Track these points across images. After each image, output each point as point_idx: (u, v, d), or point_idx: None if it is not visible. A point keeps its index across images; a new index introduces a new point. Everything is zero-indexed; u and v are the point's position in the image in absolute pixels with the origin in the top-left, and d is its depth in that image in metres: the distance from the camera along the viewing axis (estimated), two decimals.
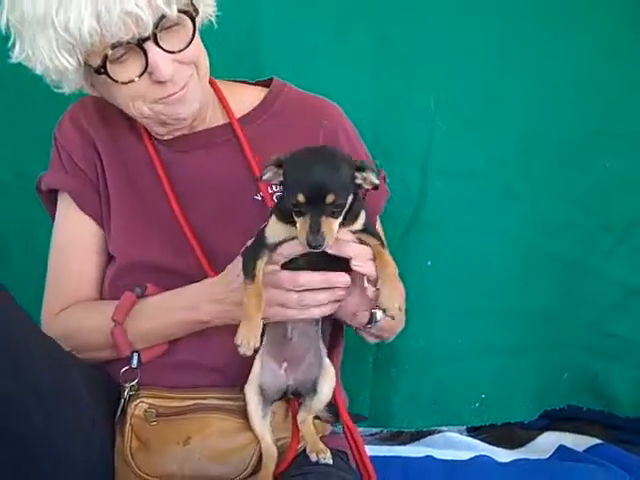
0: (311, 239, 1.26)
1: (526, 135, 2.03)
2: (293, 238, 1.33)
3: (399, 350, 2.01)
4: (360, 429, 2.20)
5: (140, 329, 1.49)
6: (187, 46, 1.43)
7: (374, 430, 2.24)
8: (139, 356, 1.49)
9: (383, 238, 1.41)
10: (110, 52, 1.39)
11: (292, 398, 1.50)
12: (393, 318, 1.36)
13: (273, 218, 1.37)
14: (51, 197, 1.64)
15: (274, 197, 1.53)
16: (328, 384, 1.47)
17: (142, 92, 1.45)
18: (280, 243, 1.35)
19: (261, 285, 1.34)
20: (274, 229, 1.36)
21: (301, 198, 1.26)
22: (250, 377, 1.46)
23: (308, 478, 1.38)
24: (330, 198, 1.26)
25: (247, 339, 1.32)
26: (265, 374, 1.46)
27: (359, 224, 1.38)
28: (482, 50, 2.01)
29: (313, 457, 1.43)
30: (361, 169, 1.31)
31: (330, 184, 1.26)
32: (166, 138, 1.58)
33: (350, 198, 1.31)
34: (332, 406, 1.52)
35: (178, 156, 1.57)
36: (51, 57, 1.40)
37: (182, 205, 1.54)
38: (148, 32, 1.38)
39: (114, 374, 1.51)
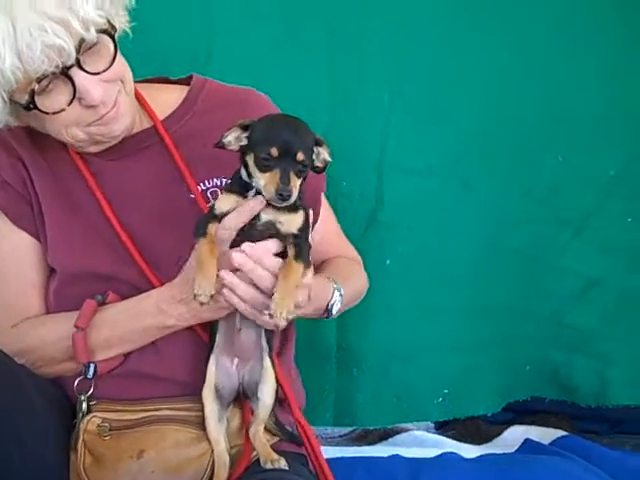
0: (281, 188, 1.32)
1: (481, 131, 2.04)
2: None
3: (360, 349, 2.02)
4: (328, 430, 2.26)
5: (102, 337, 1.47)
6: (111, 64, 1.42)
7: (343, 431, 2.25)
8: (95, 367, 1.47)
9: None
10: (37, 86, 1.36)
11: (244, 399, 1.49)
12: (277, 327, 1.39)
13: (225, 192, 1.42)
14: None
15: (208, 193, 1.52)
16: (268, 387, 1.46)
17: (74, 118, 1.43)
18: (226, 214, 1.39)
19: (214, 239, 1.37)
20: (223, 200, 1.41)
21: (274, 152, 1.33)
22: (207, 378, 1.45)
23: None
24: (300, 156, 1.34)
25: (203, 287, 1.34)
26: (219, 373, 1.46)
27: (296, 222, 1.39)
28: (436, 46, 2.01)
29: (268, 466, 1.42)
30: (319, 143, 1.38)
31: (301, 143, 1.35)
32: (95, 151, 1.55)
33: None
34: (279, 424, 1.52)
35: (108, 165, 1.54)
36: None
37: (118, 214, 1.52)
38: (72, 60, 1.36)
39: (68, 388, 1.49)
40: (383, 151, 2.01)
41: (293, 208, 1.39)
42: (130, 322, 1.47)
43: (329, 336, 2.01)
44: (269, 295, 1.35)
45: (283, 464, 1.42)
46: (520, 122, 2.06)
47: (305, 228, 1.41)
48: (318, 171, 1.42)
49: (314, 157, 1.39)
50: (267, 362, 1.47)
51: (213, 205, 1.41)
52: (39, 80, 1.36)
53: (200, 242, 1.38)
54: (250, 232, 1.38)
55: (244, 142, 1.38)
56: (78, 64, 1.37)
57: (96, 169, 1.54)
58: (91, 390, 1.47)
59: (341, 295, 1.54)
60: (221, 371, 1.46)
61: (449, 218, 2.05)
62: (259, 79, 1.82)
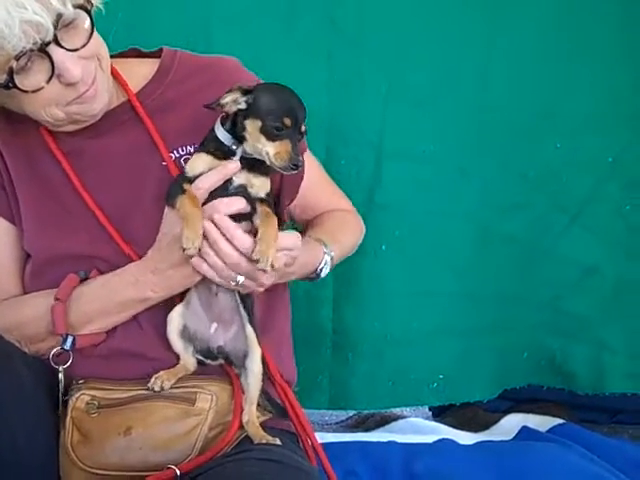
0: (295, 159, 1.36)
1: (478, 117, 2.04)
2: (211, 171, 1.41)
3: (355, 333, 2.02)
4: (325, 418, 2.27)
5: (82, 310, 1.47)
6: (89, 39, 1.41)
7: (340, 418, 2.25)
8: (74, 339, 1.47)
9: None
10: (15, 64, 1.36)
11: (226, 363, 1.49)
12: (264, 271, 1.38)
13: (197, 153, 1.44)
14: None
15: (181, 160, 1.50)
16: (254, 356, 1.46)
17: (53, 97, 1.42)
18: (198, 176, 1.41)
19: (193, 194, 1.39)
20: (196, 161, 1.43)
21: (287, 122, 1.37)
22: (172, 313, 1.47)
23: (252, 454, 1.34)
24: (303, 127, 1.39)
25: (191, 239, 1.35)
26: (190, 315, 1.47)
27: (266, 187, 1.43)
28: (432, 34, 2.01)
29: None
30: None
31: (304, 115, 1.39)
32: (70, 130, 1.53)
33: None
34: (272, 400, 1.52)
35: (84, 144, 1.53)
36: None
37: (93, 192, 1.51)
38: (50, 36, 1.35)
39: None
40: (380, 137, 2.01)
41: (264, 172, 1.42)
42: (109, 295, 1.47)
43: (324, 320, 2.02)
44: (245, 255, 1.38)
45: (277, 441, 1.41)
46: (517, 108, 2.05)
47: (271, 192, 1.45)
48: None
49: None
50: (249, 329, 1.46)
51: (185, 169, 1.43)
52: (17, 58, 1.35)
53: (180, 199, 1.39)
54: (221, 195, 1.40)
55: (242, 106, 1.39)
56: (56, 41, 1.36)
57: (70, 148, 1.53)
58: (69, 362, 1.46)
59: (331, 258, 1.56)
60: (192, 315, 1.47)
61: (446, 204, 2.05)
62: (258, 68, 1.80)
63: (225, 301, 1.47)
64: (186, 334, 1.47)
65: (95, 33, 1.43)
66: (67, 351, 1.46)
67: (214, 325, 1.48)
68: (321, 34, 1.97)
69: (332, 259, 1.57)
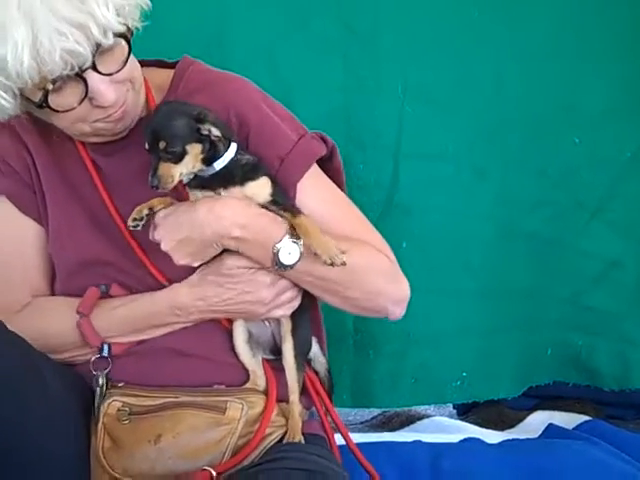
0: (149, 179, 1.39)
1: (495, 115, 2.03)
2: None
3: (377, 332, 2.02)
4: (350, 417, 2.27)
5: (108, 329, 1.49)
6: (125, 64, 1.42)
7: (364, 418, 2.25)
8: (109, 346, 1.49)
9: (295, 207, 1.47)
10: (51, 87, 1.38)
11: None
12: (332, 265, 1.40)
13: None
14: None
15: None
16: (286, 346, 1.50)
17: (82, 115, 1.44)
18: None
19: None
20: None
21: (145, 145, 1.41)
22: (234, 324, 1.51)
23: (285, 463, 1.33)
24: (162, 145, 1.38)
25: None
26: (250, 323, 1.52)
27: (263, 193, 1.44)
28: (447, 33, 2.00)
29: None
30: (201, 121, 1.40)
31: (161, 132, 1.39)
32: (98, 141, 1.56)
33: (195, 146, 1.39)
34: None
35: (111, 157, 1.56)
36: None
37: (119, 205, 1.53)
38: (88, 63, 1.37)
39: (84, 370, 1.51)
40: (398, 138, 2.00)
41: (250, 177, 1.44)
42: (143, 321, 1.50)
43: (346, 319, 2.02)
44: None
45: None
46: (535, 105, 2.04)
47: (277, 192, 1.45)
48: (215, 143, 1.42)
49: (205, 133, 1.39)
50: (286, 320, 1.51)
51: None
52: (54, 81, 1.37)
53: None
54: None
55: None
56: (93, 66, 1.38)
57: (100, 159, 1.55)
58: (109, 368, 1.49)
59: (298, 244, 1.42)
60: (253, 323, 1.52)
61: (465, 202, 2.04)
62: (274, 69, 1.83)
63: None
64: (252, 341, 1.52)
65: (131, 57, 1.44)
66: (106, 357, 1.48)
67: (267, 322, 1.52)
68: (336, 36, 1.97)
69: (299, 246, 1.43)
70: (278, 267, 1.43)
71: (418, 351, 2.05)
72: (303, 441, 1.44)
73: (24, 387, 1.33)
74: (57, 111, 1.41)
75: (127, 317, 1.50)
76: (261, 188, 1.45)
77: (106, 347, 1.49)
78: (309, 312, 1.58)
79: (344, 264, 1.40)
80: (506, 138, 2.04)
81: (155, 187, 1.38)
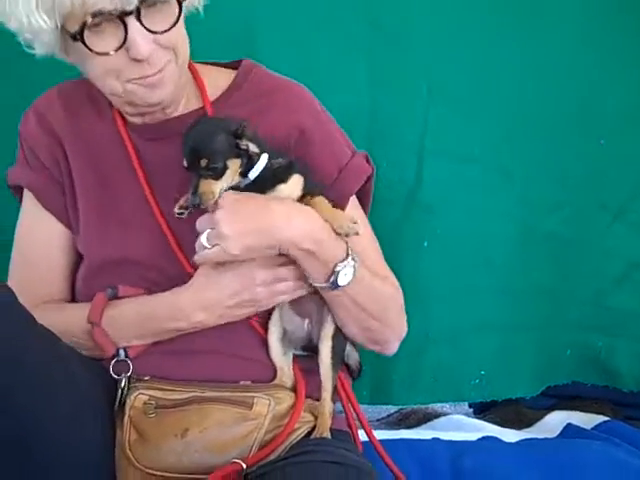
0: (190, 198, 1.39)
1: (520, 116, 2.03)
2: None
3: None
4: (367, 415, 2.27)
5: (118, 334, 1.48)
6: (170, 28, 1.40)
7: (381, 414, 2.25)
8: (125, 350, 1.48)
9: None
10: (89, 20, 1.34)
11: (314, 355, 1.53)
12: (347, 235, 1.42)
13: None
14: (20, 191, 1.62)
15: None
16: (324, 346, 1.50)
17: (117, 67, 1.40)
18: None
19: None
20: None
21: (184, 163, 1.40)
22: (271, 320, 1.51)
23: (315, 457, 1.32)
24: (203, 162, 1.37)
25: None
26: (286, 319, 1.52)
27: (294, 189, 1.45)
28: (474, 35, 2.01)
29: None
30: (239, 136, 1.39)
31: (202, 149, 1.38)
32: (137, 122, 1.53)
33: (234, 161, 1.39)
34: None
35: (150, 144, 1.54)
36: (28, 14, 1.35)
37: (158, 197, 1.51)
38: (132, 6, 1.34)
39: (108, 365, 1.50)
40: (422, 137, 2.00)
41: (280, 180, 1.43)
42: (146, 324, 1.48)
43: None
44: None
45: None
46: (559, 106, 2.04)
47: (310, 184, 1.46)
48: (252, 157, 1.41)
49: (244, 147, 1.39)
50: (329, 321, 1.50)
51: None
52: (94, 15, 1.34)
53: None
54: None
55: None
56: (138, 14, 1.35)
57: (139, 143, 1.54)
58: (130, 370, 1.48)
59: (354, 267, 1.44)
60: (288, 320, 1.52)
61: (487, 202, 2.04)
62: (301, 67, 1.83)
63: (310, 297, 1.51)
64: (286, 338, 1.51)
65: (180, 25, 1.42)
66: (124, 361, 1.48)
67: (306, 321, 1.52)
68: (363, 33, 1.97)
69: (355, 270, 1.44)
70: (331, 285, 1.44)
71: (437, 350, 2.05)
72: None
73: (53, 379, 1.33)
74: (90, 50, 1.38)
75: (132, 319, 1.48)
76: (292, 189, 1.44)
77: (122, 352, 1.48)
78: None
79: (357, 234, 1.42)
80: (530, 139, 2.04)
81: (197, 205, 1.38)
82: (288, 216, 1.41)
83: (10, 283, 1.50)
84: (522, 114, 2.04)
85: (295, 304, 1.51)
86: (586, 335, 2.12)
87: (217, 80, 1.59)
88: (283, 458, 1.33)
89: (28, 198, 1.60)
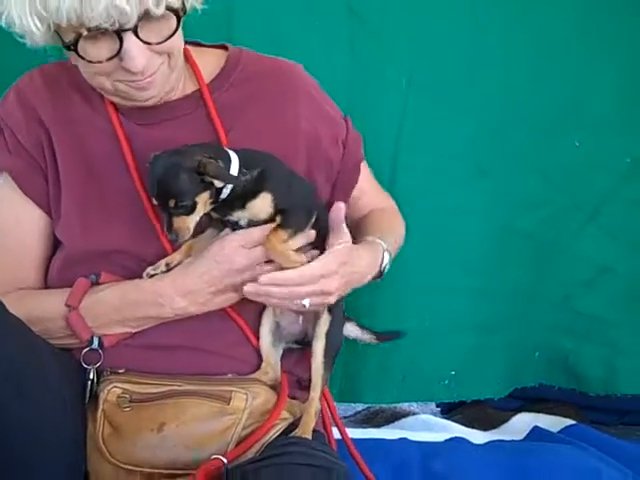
0: (167, 235, 1.40)
1: (497, 114, 2.02)
2: None
3: (367, 326, 1.97)
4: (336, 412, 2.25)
5: (99, 319, 1.44)
6: (167, 39, 1.38)
7: (348, 412, 2.23)
8: (100, 339, 1.44)
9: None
10: (85, 33, 1.32)
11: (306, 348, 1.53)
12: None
13: None
14: None
15: None
16: (318, 344, 1.49)
17: (108, 71, 1.38)
18: None
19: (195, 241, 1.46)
20: None
21: (154, 202, 1.40)
22: (265, 312, 1.50)
23: (294, 458, 1.30)
24: (172, 203, 1.36)
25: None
26: (279, 315, 1.51)
27: (262, 209, 1.43)
28: (454, 29, 1.98)
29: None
30: (201, 173, 1.36)
31: (168, 191, 1.37)
32: (128, 106, 1.49)
33: (203, 195, 1.37)
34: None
35: (142, 129, 1.50)
36: (20, 16, 1.32)
37: (143, 180, 1.47)
38: (130, 25, 1.32)
39: (79, 356, 1.46)
40: (399, 131, 1.98)
41: (250, 198, 1.42)
42: (127, 309, 1.44)
43: None
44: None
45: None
46: (537, 106, 2.03)
47: (281, 202, 1.43)
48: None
49: (209, 181, 1.37)
50: (324, 318, 1.49)
51: None
52: (89, 29, 1.31)
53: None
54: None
55: None
56: (134, 29, 1.33)
57: (130, 132, 1.49)
58: (101, 361, 1.44)
59: (390, 255, 1.58)
60: (281, 314, 1.51)
61: (462, 199, 2.02)
62: (279, 54, 1.77)
63: None
64: (278, 332, 1.51)
65: (178, 34, 1.40)
66: (96, 350, 1.44)
67: (300, 317, 1.51)
68: (343, 26, 1.93)
69: (390, 255, 1.59)
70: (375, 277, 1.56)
71: (408, 347, 2.03)
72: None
73: (24, 371, 1.29)
74: (83, 58, 1.35)
75: (112, 304, 1.44)
76: (262, 205, 1.43)
77: (96, 340, 1.44)
78: (343, 315, 1.58)
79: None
80: (508, 137, 2.02)
81: (174, 241, 1.40)
82: (369, 265, 1.54)
83: None
84: (500, 112, 2.02)
85: None
86: (555, 338, 2.12)
87: (208, 62, 1.56)
88: (259, 459, 1.30)
89: (5, 182, 1.53)
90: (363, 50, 1.95)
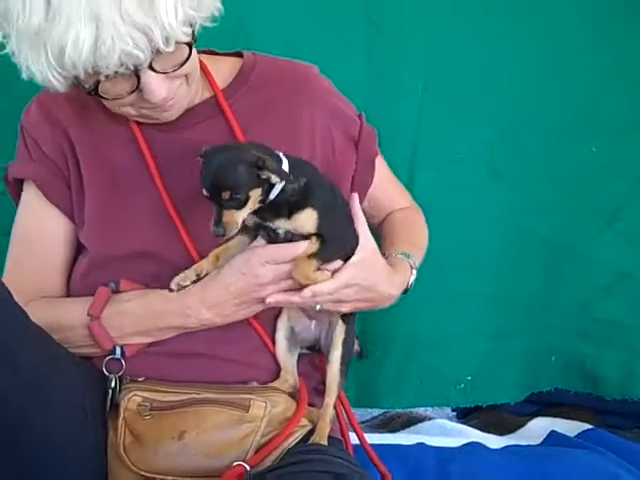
0: (213, 229, 1.37)
1: (514, 120, 2.02)
2: None
3: (383, 332, 2.02)
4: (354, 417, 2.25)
5: (122, 329, 1.46)
6: (181, 65, 1.40)
7: (365, 417, 2.24)
8: (122, 348, 1.46)
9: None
10: (103, 79, 1.36)
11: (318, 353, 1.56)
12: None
13: None
14: (18, 188, 1.59)
15: None
16: (336, 353, 1.51)
17: (130, 102, 1.42)
18: None
19: (223, 250, 1.45)
20: None
21: (205, 193, 1.38)
22: (280, 318, 1.51)
23: (312, 466, 1.32)
24: (226, 195, 1.36)
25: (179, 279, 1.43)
26: (295, 318, 1.52)
27: (306, 224, 1.43)
28: (470, 36, 1.99)
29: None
30: (260, 168, 1.36)
31: (224, 182, 1.36)
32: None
33: (255, 191, 1.37)
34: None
35: (164, 135, 1.52)
36: (40, 70, 1.36)
37: (168, 188, 1.50)
38: (144, 65, 1.35)
39: (100, 365, 1.48)
40: (416, 138, 2.00)
41: (296, 209, 1.42)
42: (151, 319, 1.46)
43: None
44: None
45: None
46: (553, 112, 2.03)
47: (328, 230, 1.43)
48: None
49: (265, 177, 1.37)
50: (339, 327, 1.50)
51: None
52: (107, 75, 1.34)
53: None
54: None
55: None
56: (150, 65, 1.36)
57: (150, 139, 1.52)
58: (123, 370, 1.45)
59: (416, 269, 1.62)
60: (296, 320, 1.52)
61: (478, 205, 2.03)
62: None
63: None
64: (293, 337, 1.52)
65: (191, 57, 1.41)
66: (119, 360, 1.45)
67: (313, 322, 1.53)
68: (360, 32, 1.95)
69: (416, 270, 1.62)
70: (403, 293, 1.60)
71: (424, 353, 2.05)
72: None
73: (46, 380, 1.31)
74: (106, 99, 1.39)
75: (137, 314, 1.46)
76: (306, 221, 1.43)
77: (119, 350, 1.46)
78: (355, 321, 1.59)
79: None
80: (523, 143, 2.03)
81: (221, 235, 1.37)
82: (391, 284, 1.55)
83: (7, 277, 1.48)
84: (516, 117, 2.03)
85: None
86: (571, 342, 2.12)
87: (223, 69, 1.58)
88: (279, 467, 1.31)
89: (29, 191, 1.56)
90: (380, 57, 1.97)
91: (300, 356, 1.55)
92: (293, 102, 1.55)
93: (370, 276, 1.48)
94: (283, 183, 1.39)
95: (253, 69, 1.58)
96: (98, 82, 1.36)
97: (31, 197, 1.56)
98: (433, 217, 1.98)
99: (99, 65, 1.31)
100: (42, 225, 1.55)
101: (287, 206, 1.42)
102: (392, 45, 1.96)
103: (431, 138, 2.00)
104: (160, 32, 1.31)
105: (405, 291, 1.61)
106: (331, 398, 1.48)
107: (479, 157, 2.02)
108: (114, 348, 1.46)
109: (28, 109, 1.56)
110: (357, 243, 1.47)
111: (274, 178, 1.37)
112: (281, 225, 1.43)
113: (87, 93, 1.39)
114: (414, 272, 1.61)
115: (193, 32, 1.39)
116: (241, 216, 1.37)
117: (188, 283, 1.43)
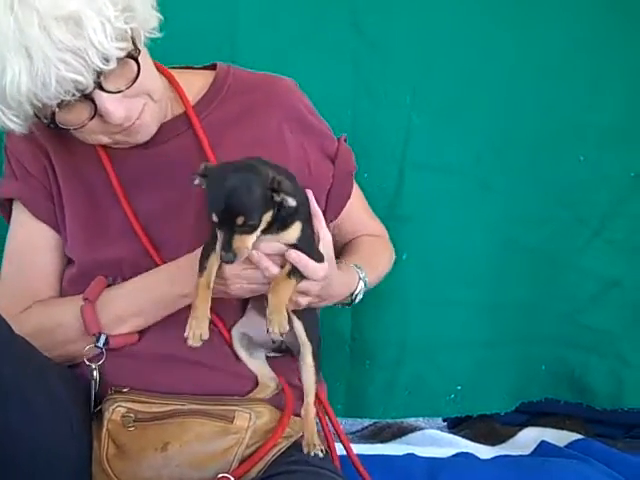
0: (223, 255, 1.31)
1: (502, 129, 2.03)
2: None
3: (374, 342, 2.02)
4: (340, 426, 2.24)
5: (114, 313, 1.46)
6: (133, 83, 1.38)
7: (355, 428, 2.23)
8: (107, 338, 1.45)
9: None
10: (56, 109, 1.35)
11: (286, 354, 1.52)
12: (273, 342, 1.47)
13: None
14: (9, 207, 1.60)
15: None
16: (305, 351, 1.48)
17: (98, 129, 1.42)
18: None
19: (212, 277, 1.37)
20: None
21: (214, 218, 1.31)
22: (235, 325, 1.49)
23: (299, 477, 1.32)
24: (240, 220, 1.30)
25: (195, 332, 1.35)
26: (250, 324, 1.48)
27: (292, 236, 1.39)
28: (458, 45, 2.00)
29: (305, 450, 1.42)
30: (276, 190, 1.32)
31: (239, 207, 1.30)
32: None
33: (268, 214, 1.33)
34: None
35: (133, 151, 1.52)
36: None
37: (133, 199, 1.50)
38: (90, 88, 1.33)
39: (86, 371, 1.47)
40: (404, 147, 1.99)
41: (286, 225, 1.38)
42: (143, 294, 1.46)
43: (343, 327, 2.01)
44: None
45: (320, 452, 1.42)
46: (541, 122, 2.04)
47: (304, 238, 1.40)
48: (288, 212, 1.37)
49: (279, 200, 1.33)
50: (296, 323, 1.46)
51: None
52: (58, 105, 1.34)
53: (198, 282, 1.37)
54: None
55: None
56: (99, 86, 1.34)
57: (120, 156, 1.52)
58: (103, 359, 1.45)
59: (365, 283, 1.57)
60: (251, 323, 1.49)
61: (467, 215, 2.03)
62: (283, 74, 1.77)
63: None
64: (244, 341, 1.49)
65: (144, 71, 1.39)
66: (100, 349, 1.45)
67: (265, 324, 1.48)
68: (347, 42, 1.95)
69: (366, 285, 1.58)
70: (346, 304, 1.59)
71: (414, 362, 2.04)
72: (321, 448, 1.42)
73: (31, 394, 1.30)
74: (67, 129, 1.38)
75: (129, 291, 1.47)
76: (292, 233, 1.40)
77: (103, 338, 1.45)
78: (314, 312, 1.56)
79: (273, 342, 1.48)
80: (512, 153, 2.04)
81: (231, 262, 1.31)
82: (344, 285, 1.55)
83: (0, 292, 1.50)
84: (505, 128, 2.03)
85: (260, 307, 1.47)
86: (561, 352, 2.12)
87: (193, 83, 1.58)
88: (263, 478, 1.31)
89: (17, 208, 1.58)
90: (367, 67, 1.97)
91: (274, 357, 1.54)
92: (264, 113, 1.54)
93: (332, 270, 1.47)
94: (295, 203, 1.35)
95: (225, 81, 1.58)
96: (53, 114, 1.35)
97: (19, 213, 1.57)
98: (421, 227, 2.01)
99: (41, 96, 1.30)
100: (31, 238, 1.56)
101: (279, 224, 1.38)
102: (380, 55, 1.97)
103: (419, 149, 2.00)
104: (95, 52, 1.29)
105: (350, 302, 1.58)
106: (311, 396, 1.47)
107: (468, 167, 2.03)
108: (99, 336, 1.45)
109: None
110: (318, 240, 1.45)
111: (290, 201, 1.33)
112: (266, 239, 1.38)
113: (47, 126, 1.39)
114: (361, 284, 1.57)
115: (135, 45, 1.37)
116: (252, 240, 1.32)
117: (206, 329, 1.37)
